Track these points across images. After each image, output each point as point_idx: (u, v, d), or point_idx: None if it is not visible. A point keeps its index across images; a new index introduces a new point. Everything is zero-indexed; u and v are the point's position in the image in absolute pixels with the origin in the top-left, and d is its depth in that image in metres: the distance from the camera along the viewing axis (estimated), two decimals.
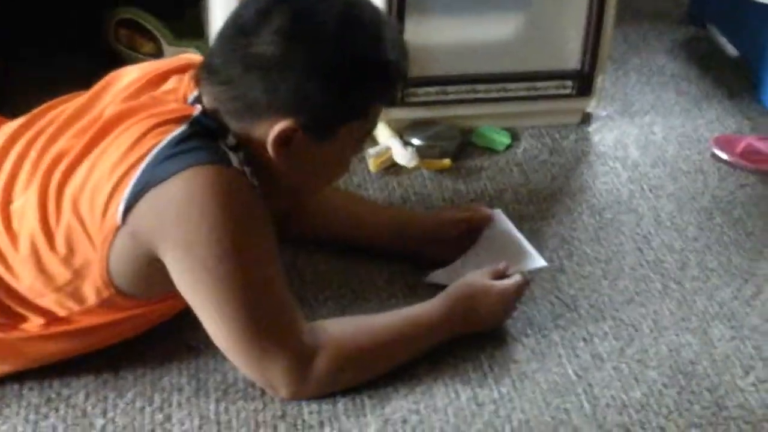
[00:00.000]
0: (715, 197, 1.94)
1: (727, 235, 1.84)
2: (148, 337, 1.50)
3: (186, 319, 1.44)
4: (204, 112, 1.37)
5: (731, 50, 2.44)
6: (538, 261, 1.63)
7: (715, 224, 1.87)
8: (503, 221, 1.69)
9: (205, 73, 1.38)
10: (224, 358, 1.43)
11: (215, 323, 1.38)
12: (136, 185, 1.31)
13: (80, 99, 1.47)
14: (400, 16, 1.93)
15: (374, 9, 1.41)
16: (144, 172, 1.31)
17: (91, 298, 1.39)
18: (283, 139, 1.37)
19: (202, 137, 1.34)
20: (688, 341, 1.60)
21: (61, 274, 1.37)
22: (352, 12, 1.37)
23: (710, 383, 1.52)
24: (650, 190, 1.96)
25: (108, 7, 2.24)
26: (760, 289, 1.71)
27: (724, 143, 2.07)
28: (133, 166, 1.31)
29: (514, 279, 1.55)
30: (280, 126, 1.35)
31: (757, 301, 1.68)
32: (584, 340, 1.59)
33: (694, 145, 2.10)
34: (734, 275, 1.74)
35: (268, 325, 1.38)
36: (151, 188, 1.30)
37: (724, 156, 2.04)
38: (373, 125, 1.49)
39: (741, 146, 2.04)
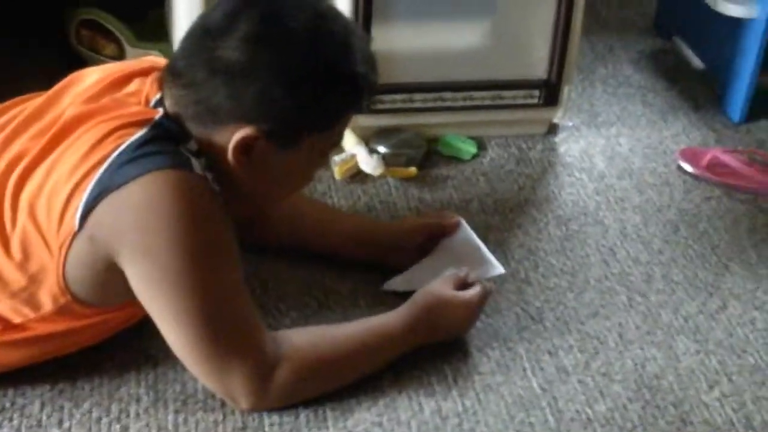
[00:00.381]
0: (681, 210, 1.94)
1: (693, 249, 1.84)
2: (106, 346, 1.47)
3: (145, 327, 1.42)
4: (166, 115, 1.34)
5: (697, 62, 2.45)
6: (496, 268, 1.63)
7: (681, 237, 1.87)
8: (464, 229, 1.68)
9: (170, 75, 1.36)
10: (184, 368, 1.40)
11: (174, 332, 1.35)
12: (94, 189, 1.28)
13: (39, 99, 1.44)
14: (367, 23, 1.91)
15: (344, 19, 1.39)
16: (103, 176, 1.28)
17: (47, 305, 1.35)
18: (244, 147, 1.34)
19: (164, 141, 1.32)
20: (653, 355, 1.59)
21: (17, 279, 1.34)
22: (322, 21, 1.35)
23: (675, 398, 1.51)
24: (616, 202, 1.95)
25: (69, 7, 2.20)
26: (725, 303, 1.71)
27: (690, 156, 2.07)
28: (91, 170, 1.28)
29: (478, 288, 1.54)
30: (241, 133, 1.33)
31: (722, 315, 1.68)
32: (549, 353, 1.58)
33: (660, 157, 2.10)
34: (699, 289, 1.74)
35: (228, 334, 1.35)
36: (110, 193, 1.28)
37: (689, 169, 2.04)
38: (339, 137, 1.47)
39: (706, 159, 2.04)
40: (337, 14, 1.38)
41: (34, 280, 1.34)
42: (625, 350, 1.59)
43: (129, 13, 2.19)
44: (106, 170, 1.28)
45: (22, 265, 1.33)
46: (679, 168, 2.06)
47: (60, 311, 1.36)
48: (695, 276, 1.77)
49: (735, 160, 2.03)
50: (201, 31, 1.35)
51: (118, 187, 1.27)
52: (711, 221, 1.92)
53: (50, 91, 1.44)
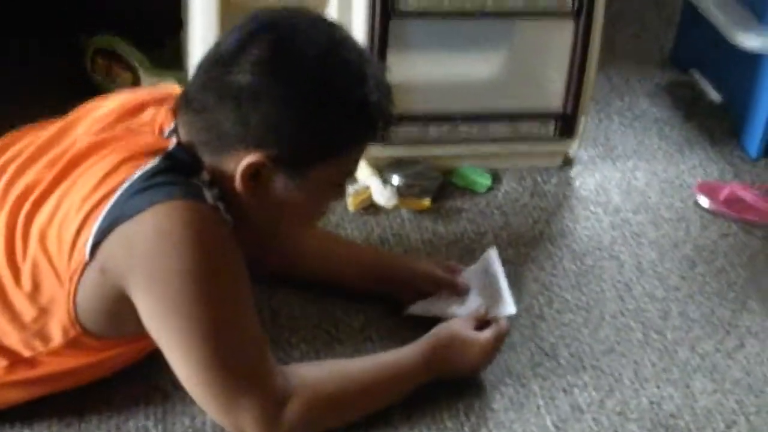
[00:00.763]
0: (698, 246, 1.92)
1: (710, 285, 1.81)
2: (114, 378, 1.45)
3: (154, 359, 1.40)
4: (179, 145, 1.33)
5: (714, 95, 2.43)
6: (509, 308, 1.60)
7: (698, 273, 1.84)
8: (493, 261, 1.66)
9: (183, 102, 1.35)
10: (193, 402, 1.38)
11: (183, 365, 1.33)
12: (105, 219, 1.26)
13: (52, 128, 1.43)
14: (382, 53, 1.91)
15: (359, 47, 1.38)
16: (114, 205, 1.27)
17: (57, 337, 1.34)
18: (251, 173, 1.32)
19: (175, 172, 1.30)
20: (670, 394, 1.56)
21: (27, 311, 1.33)
22: (336, 48, 1.33)
23: None
24: (632, 237, 1.93)
25: (86, 36, 2.20)
26: (742, 341, 1.68)
27: (708, 190, 2.04)
28: (103, 200, 1.27)
29: (495, 329, 1.52)
30: (248, 159, 1.31)
31: (739, 354, 1.66)
32: (564, 390, 1.55)
33: (676, 191, 2.08)
34: (716, 326, 1.71)
35: (239, 369, 1.33)
36: (122, 223, 1.26)
37: (707, 204, 2.02)
38: (352, 169, 1.45)
39: (724, 194, 2.02)
40: (352, 42, 1.37)
41: (44, 311, 1.32)
42: (641, 388, 1.57)
43: (145, 41, 2.18)
44: (117, 200, 1.27)
45: (33, 296, 1.32)
46: (696, 203, 2.04)
47: (70, 344, 1.34)
48: (712, 313, 1.74)
49: (753, 196, 2.01)
50: (214, 57, 1.34)
51: (129, 217, 1.26)
52: (728, 257, 1.89)
53: (63, 120, 1.44)
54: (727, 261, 1.88)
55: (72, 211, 1.29)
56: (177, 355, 1.33)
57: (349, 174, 1.45)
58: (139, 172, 1.29)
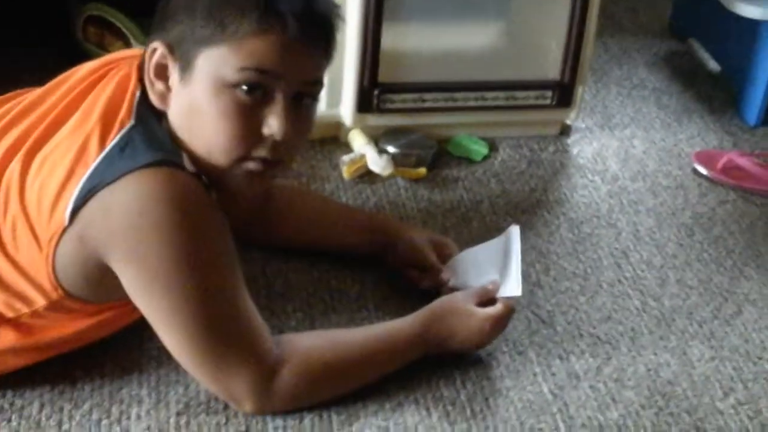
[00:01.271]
0: (696, 213, 1.91)
1: (708, 253, 1.80)
2: (106, 346, 1.44)
3: (147, 327, 1.38)
4: (143, 96, 1.31)
5: (713, 65, 2.41)
6: (514, 289, 1.52)
7: (695, 241, 1.83)
8: (514, 240, 1.58)
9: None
10: (186, 370, 1.37)
11: (172, 335, 1.31)
12: (85, 184, 1.24)
13: (36, 92, 1.41)
14: (378, 22, 1.89)
15: None
16: (95, 170, 1.25)
17: (39, 299, 1.32)
18: (157, 67, 1.29)
19: (152, 132, 1.28)
20: (667, 361, 1.55)
21: (7, 271, 1.31)
22: None
23: (689, 405, 1.48)
24: (629, 205, 1.92)
25: (78, 3, 2.18)
26: (740, 308, 1.67)
27: (705, 159, 2.03)
28: (83, 164, 1.25)
29: (499, 307, 1.48)
30: (150, 48, 1.30)
31: (737, 321, 1.65)
32: (560, 357, 1.54)
33: (674, 159, 2.07)
34: (714, 294, 1.70)
35: (229, 336, 1.32)
36: (101, 188, 1.24)
37: (705, 172, 2.01)
38: (247, 64, 1.26)
39: (722, 162, 2.01)
40: None
41: (24, 273, 1.31)
42: (638, 356, 1.56)
43: (137, 9, 2.16)
44: (98, 165, 1.25)
45: (12, 256, 1.30)
46: (694, 171, 2.02)
47: (54, 307, 1.33)
48: (710, 280, 1.73)
49: (751, 164, 1.99)
50: None
51: (109, 183, 1.24)
52: (726, 225, 1.88)
53: (47, 85, 1.42)
54: (724, 228, 1.87)
55: (53, 173, 1.27)
56: (164, 326, 1.31)
57: (245, 70, 1.26)
58: (117, 137, 1.26)
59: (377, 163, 1.91)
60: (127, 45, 2.13)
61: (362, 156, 1.93)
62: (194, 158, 1.31)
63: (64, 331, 1.37)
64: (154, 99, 1.31)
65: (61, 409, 1.38)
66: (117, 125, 1.28)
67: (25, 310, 1.33)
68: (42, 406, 1.38)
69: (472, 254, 1.62)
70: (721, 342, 1.60)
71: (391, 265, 1.65)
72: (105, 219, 1.25)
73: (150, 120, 1.30)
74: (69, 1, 2.20)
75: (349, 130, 1.99)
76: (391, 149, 1.96)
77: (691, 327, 1.63)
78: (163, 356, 1.45)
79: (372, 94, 1.95)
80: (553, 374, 1.51)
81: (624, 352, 1.56)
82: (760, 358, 1.57)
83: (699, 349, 1.58)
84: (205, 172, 1.31)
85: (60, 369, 1.41)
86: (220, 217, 1.32)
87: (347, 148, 1.97)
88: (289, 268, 1.67)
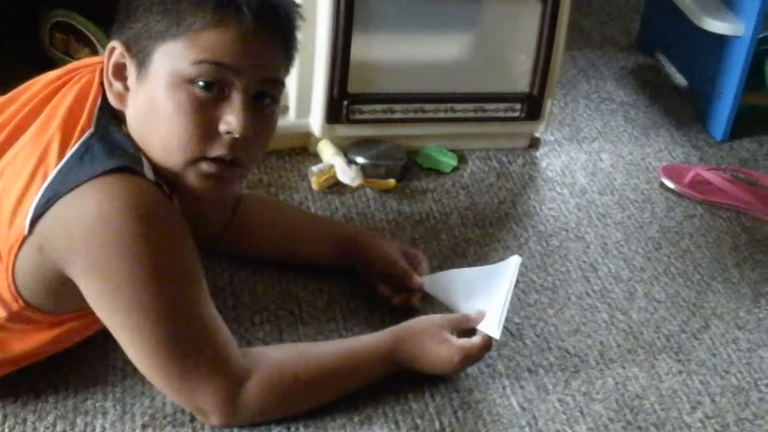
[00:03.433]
0: (663, 227, 1.92)
1: (675, 267, 1.81)
2: (71, 357, 1.42)
3: (111, 337, 1.36)
4: (104, 99, 1.29)
5: (680, 79, 2.43)
6: (493, 329, 1.48)
7: (663, 255, 1.84)
8: (510, 271, 1.54)
9: None
10: None
11: (136, 348, 1.29)
12: (45, 193, 1.22)
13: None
14: (347, 32, 1.88)
15: None
16: (55, 178, 1.23)
17: None
18: (115, 66, 1.28)
19: (108, 136, 1.26)
20: (635, 374, 1.56)
21: None
22: None
23: (657, 418, 1.48)
24: (598, 218, 1.92)
25: (43, 9, 2.16)
26: (707, 322, 1.68)
27: (673, 173, 2.04)
28: (43, 172, 1.23)
29: (475, 342, 1.46)
30: (111, 45, 1.28)
31: (704, 335, 1.65)
32: (529, 370, 1.54)
33: (642, 173, 2.08)
34: (681, 307, 1.71)
35: (194, 348, 1.30)
36: (61, 197, 1.22)
37: (672, 186, 2.02)
38: (202, 58, 1.24)
39: (689, 176, 2.02)
40: None
41: None
42: (606, 369, 1.56)
43: (104, 16, 2.14)
44: (58, 173, 1.23)
45: None
46: (662, 185, 2.03)
47: (13, 318, 1.30)
48: (677, 294, 1.74)
49: (718, 178, 2.01)
50: None
51: (68, 191, 1.22)
52: (693, 239, 1.89)
53: (8, 95, 1.39)
54: (692, 242, 1.88)
55: (13, 183, 1.25)
56: (127, 338, 1.29)
57: (201, 63, 1.24)
58: (76, 145, 1.25)
59: (346, 174, 1.91)
60: (94, 52, 2.11)
61: (331, 167, 1.92)
62: (153, 163, 1.29)
63: (24, 346, 1.34)
64: (112, 99, 1.29)
65: (25, 421, 1.36)
66: (77, 133, 1.26)
67: None
68: (5, 417, 1.36)
69: (465, 275, 1.60)
70: (689, 356, 1.60)
71: (362, 276, 1.64)
72: (64, 229, 1.23)
73: (110, 126, 1.28)
74: (34, 8, 2.17)
75: (318, 140, 1.98)
76: (360, 160, 1.95)
77: (658, 340, 1.63)
78: (128, 367, 1.42)
79: (341, 104, 1.94)
80: (522, 387, 1.51)
81: (592, 365, 1.56)
82: (727, 372, 1.58)
83: (667, 362, 1.59)
84: (165, 178, 1.29)
85: (23, 380, 1.39)
86: (182, 225, 1.30)
87: (316, 158, 1.96)
88: (257, 279, 1.65)
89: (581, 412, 1.47)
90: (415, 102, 2.00)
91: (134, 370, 1.37)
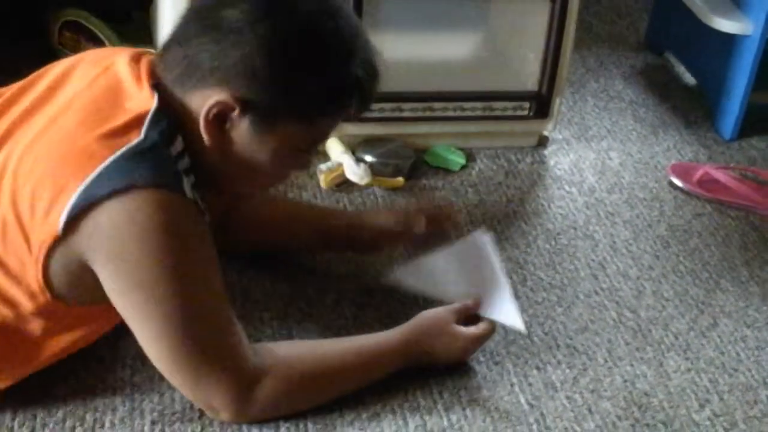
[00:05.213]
0: (672, 226, 1.91)
1: (684, 265, 1.81)
2: (81, 353, 1.42)
3: (122, 335, 1.37)
4: (159, 106, 1.28)
5: (689, 78, 2.43)
6: (518, 322, 1.54)
7: (671, 253, 1.84)
8: (488, 248, 1.58)
9: (168, 40, 1.32)
10: (162, 378, 1.36)
11: (153, 342, 1.30)
12: (81, 195, 1.22)
13: (11, 89, 1.40)
14: None
15: (356, 21, 1.35)
16: (93, 182, 1.23)
17: (25, 303, 1.30)
18: (217, 114, 1.29)
19: (158, 148, 1.26)
20: (643, 372, 1.55)
21: None
22: (332, 11, 1.30)
23: (665, 416, 1.48)
24: (606, 217, 1.92)
25: (54, 8, 2.16)
26: (716, 320, 1.68)
27: (681, 171, 2.04)
28: (82, 174, 1.23)
29: (483, 327, 1.49)
30: (217, 97, 1.27)
31: (713, 332, 1.65)
32: (537, 368, 1.54)
33: (650, 172, 2.08)
34: (690, 306, 1.71)
35: (208, 344, 1.31)
36: (98, 202, 1.23)
37: (681, 184, 2.02)
38: (320, 139, 1.41)
39: (698, 175, 2.02)
40: (349, 13, 1.34)
41: (11, 274, 1.29)
42: (615, 367, 1.56)
43: (113, 15, 2.15)
44: (97, 177, 1.23)
45: (1, 256, 1.28)
46: (670, 183, 2.03)
47: (39, 312, 1.31)
48: (686, 292, 1.74)
49: (727, 176, 2.00)
50: (203, 3, 1.32)
51: (106, 197, 1.23)
52: (702, 237, 1.89)
53: (24, 81, 1.40)
54: (700, 241, 1.88)
55: (47, 177, 1.25)
56: (145, 333, 1.30)
57: (316, 143, 1.40)
58: (122, 150, 1.24)
59: (355, 172, 1.91)
60: None
61: (340, 165, 1.93)
62: (204, 164, 1.32)
63: (47, 344, 1.36)
64: (206, 137, 1.30)
65: (34, 417, 1.37)
66: (123, 138, 1.26)
67: (10, 315, 1.31)
68: (15, 414, 1.37)
69: (436, 261, 1.60)
70: (697, 354, 1.60)
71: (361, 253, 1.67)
72: (96, 228, 1.24)
73: (160, 141, 1.27)
74: (44, 7, 2.18)
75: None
76: (368, 158, 1.96)
77: (667, 338, 1.63)
78: (137, 364, 1.44)
79: None
80: (530, 385, 1.51)
81: (600, 363, 1.56)
82: (735, 370, 1.58)
83: (675, 360, 1.59)
84: (199, 169, 1.32)
85: (33, 377, 1.39)
86: (209, 238, 1.32)
87: (325, 156, 1.96)
88: (266, 276, 1.66)
89: (589, 410, 1.47)
90: (424, 100, 2.00)
91: (143, 366, 1.39)
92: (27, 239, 1.27)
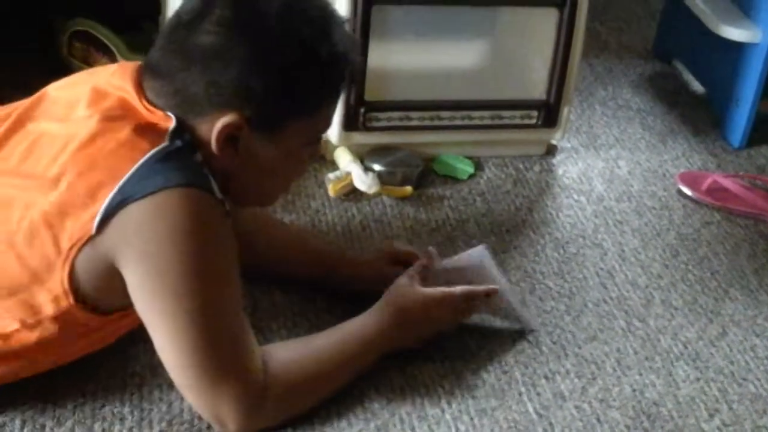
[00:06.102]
0: (681, 234, 1.91)
1: (692, 274, 1.80)
2: (90, 363, 1.43)
3: (130, 345, 1.38)
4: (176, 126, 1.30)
5: (697, 86, 2.43)
6: (533, 322, 1.61)
7: (680, 262, 1.83)
8: (486, 261, 1.59)
9: (146, 70, 1.33)
10: (170, 387, 1.36)
11: (169, 348, 1.30)
12: (115, 197, 1.25)
13: (22, 104, 1.41)
14: (365, 40, 1.89)
15: (320, 1, 1.36)
16: (126, 184, 1.25)
17: (46, 307, 1.30)
18: (228, 136, 1.30)
19: (185, 154, 1.29)
20: (652, 381, 1.55)
21: (15, 273, 1.29)
22: (297, 2, 1.32)
23: (674, 426, 1.48)
24: (615, 225, 1.92)
25: (63, 19, 2.17)
26: (725, 329, 1.67)
27: (690, 180, 2.04)
28: (115, 175, 1.25)
29: (458, 289, 1.52)
30: (223, 121, 1.29)
31: (722, 342, 1.65)
32: (546, 377, 1.54)
33: (659, 180, 2.07)
34: (699, 314, 1.70)
35: (223, 355, 1.31)
36: (130, 203, 1.25)
37: (689, 193, 2.01)
38: (327, 123, 1.42)
39: (707, 183, 2.01)
40: None
41: (35, 275, 1.29)
42: (624, 376, 1.56)
43: (123, 25, 2.16)
44: (129, 179, 1.25)
45: (25, 258, 1.28)
46: (679, 192, 2.03)
47: (59, 318, 1.31)
48: (695, 301, 1.73)
49: (735, 185, 2.00)
50: (175, 21, 1.32)
51: (139, 198, 1.25)
52: (711, 246, 1.88)
53: (28, 101, 1.42)
54: (709, 249, 1.87)
55: (80, 179, 1.27)
56: (163, 336, 1.30)
57: (323, 130, 1.43)
58: (152, 151, 1.27)
59: (363, 181, 1.91)
60: (113, 60, 2.12)
61: (348, 174, 1.93)
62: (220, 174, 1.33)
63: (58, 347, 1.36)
64: (223, 159, 1.32)
65: (43, 427, 1.37)
66: (151, 142, 1.27)
67: (30, 320, 1.30)
68: (24, 423, 1.37)
69: (437, 272, 1.60)
70: (707, 363, 1.60)
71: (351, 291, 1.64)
72: (126, 227, 1.26)
73: (184, 149, 1.30)
74: (53, 17, 2.19)
75: (335, 147, 1.99)
76: (376, 167, 1.96)
77: (676, 348, 1.63)
78: (146, 373, 1.44)
79: (358, 112, 1.95)
80: (539, 394, 1.51)
81: (609, 373, 1.56)
82: (745, 379, 1.57)
83: (684, 370, 1.58)
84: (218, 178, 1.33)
85: (41, 385, 1.40)
86: (234, 240, 1.33)
87: (333, 165, 1.97)
88: (276, 286, 1.66)
89: (598, 419, 1.47)
90: (432, 109, 2.00)
91: (152, 376, 1.39)
92: (56, 240, 1.27)
